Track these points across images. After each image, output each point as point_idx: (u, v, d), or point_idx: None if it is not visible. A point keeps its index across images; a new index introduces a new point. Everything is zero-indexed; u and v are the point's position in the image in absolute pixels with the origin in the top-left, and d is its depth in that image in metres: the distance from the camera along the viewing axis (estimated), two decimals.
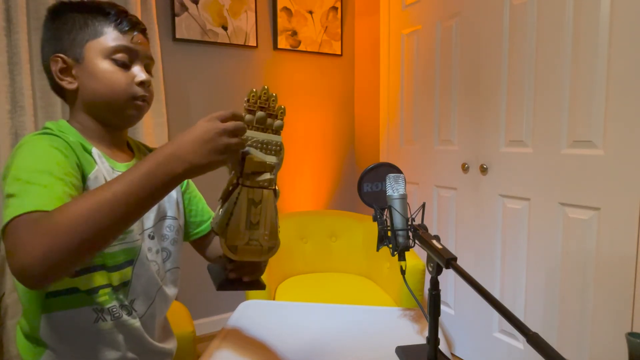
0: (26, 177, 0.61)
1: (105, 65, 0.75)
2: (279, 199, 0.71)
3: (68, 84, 0.76)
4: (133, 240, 0.77)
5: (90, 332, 0.74)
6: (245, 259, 0.67)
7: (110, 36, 0.75)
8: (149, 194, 0.57)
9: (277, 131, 0.67)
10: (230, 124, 0.60)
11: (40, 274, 0.52)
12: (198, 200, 0.97)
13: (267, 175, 0.65)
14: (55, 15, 0.77)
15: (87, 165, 0.72)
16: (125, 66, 0.76)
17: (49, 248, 0.52)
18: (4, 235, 0.57)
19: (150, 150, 0.93)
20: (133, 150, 0.88)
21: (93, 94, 0.76)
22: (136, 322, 0.79)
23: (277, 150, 0.67)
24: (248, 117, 0.65)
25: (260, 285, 0.74)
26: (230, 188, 0.65)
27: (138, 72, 0.77)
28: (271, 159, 0.66)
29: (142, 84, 0.77)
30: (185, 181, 0.95)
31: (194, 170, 0.58)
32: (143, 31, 0.81)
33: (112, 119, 0.79)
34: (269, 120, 0.67)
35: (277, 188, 0.69)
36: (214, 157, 0.58)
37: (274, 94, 0.67)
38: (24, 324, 0.77)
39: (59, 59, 0.75)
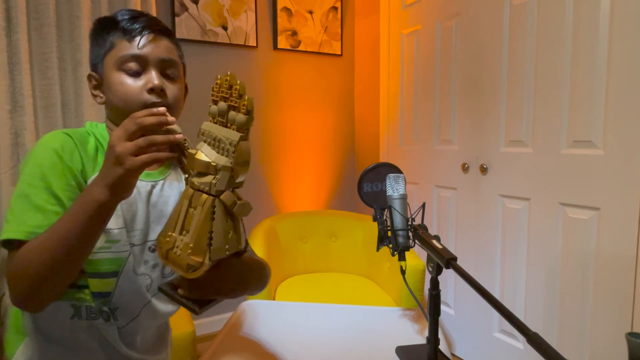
0: (27, 190, 0.67)
1: (117, 77, 0.74)
2: (247, 210, 0.57)
3: (99, 99, 0.79)
4: (119, 251, 0.75)
5: (67, 327, 0.74)
6: (170, 266, 0.59)
7: (120, 47, 0.74)
8: (87, 226, 0.60)
9: (240, 127, 0.55)
10: (122, 131, 0.56)
11: (28, 307, 0.65)
12: None
13: (209, 178, 0.55)
14: (90, 34, 0.80)
15: (91, 169, 0.74)
16: (138, 75, 0.74)
17: (24, 288, 0.62)
18: (8, 254, 0.66)
19: None
20: None
21: (112, 106, 0.77)
22: (112, 330, 0.77)
23: (230, 150, 0.55)
24: (212, 108, 0.57)
25: (190, 307, 0.61)
26: (186, 182, 0.59)
27: (149, 78, 0.74)
28: (219, 160, 0.55)
29: (153, 90, 0.73)
30: None
31: (114, 191, 0.58)
32: (157, 32, 0.76)
33: None
34: (232, 114, 0.56)
35: (224, 199, 0.55)
36: (117, 171, 0.56)
37: (239, 82, 0.55)
38: (15, 313, 0.79)
39: (91, 77, 0.79)
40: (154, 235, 0.81)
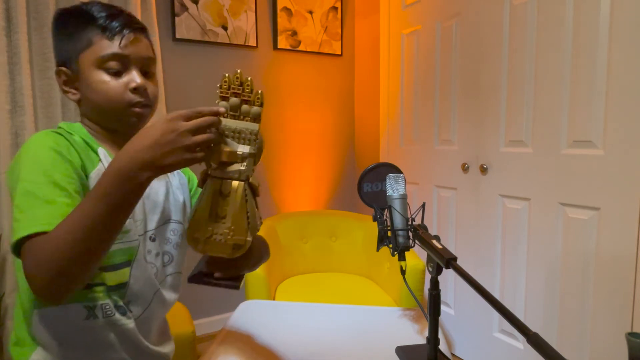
0: (31, 187, 0.65)
1: (98, 76, 0.74)
2: (258, 194, 0.66)
3: (72, 95, 0.77)
4: (131, 241, 0.76)
5: (81, 329, 0.74)
6: (211, 254, 0.63)
7: (100, 45, 0.73)
8: (119, 205, 0.59)
9: (255, 118, 0.63)
10: (191, 123, 0.57)
11: (54, 295, 0.60)
12: None
13: (237, 166, 0.62)
14: (56, 24, 0.77)
15: (90, 164, 0.74)
16: (119, 73, 0.75)
17: (51, 275, 0.58)
18: (20, 255, 0.62)
19: None
20: None
21: (92, 104, 0.76)
22: (130, 323, 0.78)
23: (252, 139, 0.62)
24: (222, 103, 0.61)
25: (232, 285, 0.67)
26: (203, 177, 0.63)
27: (132, 77, 0.75)
28: (244, 149, 0.62)
29: (136, 89, 0.75)
30: (195, 184, 0.95)
31: (158, 173, 0.58)
32: (136, 30, 0.77)
33: (114, 126, 0.79)
34: (245, 107, 0.62)
35: (252, 182, 0.64)
36: (176, 159, 0.57)
37: (249, 78, 0.62)
38: (18, 322, 0.77)
39: (62, 72, 0.77)
40: (152, 225, 0.82)
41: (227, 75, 0.61)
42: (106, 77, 0.74)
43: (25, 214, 0.63)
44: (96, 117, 0.78)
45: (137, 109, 0.76)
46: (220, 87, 0.61)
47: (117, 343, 0.77)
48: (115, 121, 0.77)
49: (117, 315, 0.76)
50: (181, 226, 0.89)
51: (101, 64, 0.73)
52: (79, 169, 0.71)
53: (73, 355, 0.75)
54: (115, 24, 0.74)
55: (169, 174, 0.90)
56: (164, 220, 0.85)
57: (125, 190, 0.58)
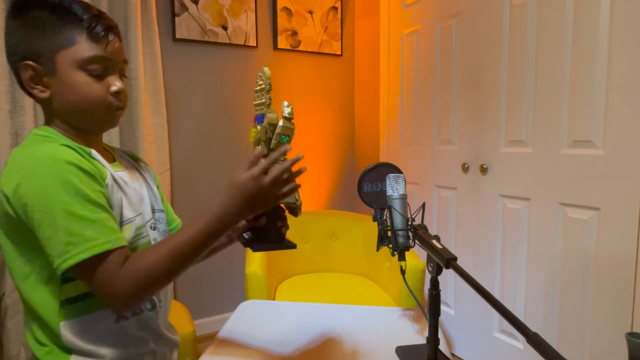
0: (70, 208, 0.65)
1: (79, 77, 0.72)
2: None
3: (40, 92, 0.73)
4: (147, 235, 0.79)
5: (114, 331, 0.74)
6: (295, 216, 0.82)
7: (84, 45, 0.71)
8: (208, 244, 0.71)
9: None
10: (272, 176, 0.70)
11: (132, 305, 0.72)
12: (165, 199, 0.99)
13: None
14: (21, 13, 0.72)
15: (97, 170, 0.72)
16: (100, 76, 0.73)
17: (141, 289, 0.67)
18: (81, 271, 0.66)
19: (126, 153, 0.93)
20: (108, 150, 0.86)
21: (67, 104, 0.73)
22: (155, 315, 0.81)
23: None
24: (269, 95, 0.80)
25: (292, 244, 0.81)
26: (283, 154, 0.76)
27: (113, 81, 0.75)
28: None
29: (117, 93, 0.75)
30: (156, 179, 0.97)
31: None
32: (117, 34, 0.76)
33: (87, 126, 0.77)
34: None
35: None
36: (268, 205, 0.73)
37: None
38: (39, 334, 0.73)
39: (29, 67, 0.71)
40: (148, 215, 0.84)
41: (264, 71, 0.79)
42: (88, 79, 0.72)
43: (80, 236, 0.65)
44: (69, 118, 0.75)
45: (114, 112, 0.77)
46: (264, 81, 0.79)
47: (147, 336, 0.79)
48: (90, 122, 0.76)
49: (145, 312, 0.79)
50: (164, 214, 0.91)
51: (83, 65, 0.71)
52: (99, 179, 0.71)
53: (109, 353, 0.75)
54: (100, 27, 0.72)
55: (141, 168, 0.92)
56: (152, 210, 0.87)
57: (222, 232, 0.71)
